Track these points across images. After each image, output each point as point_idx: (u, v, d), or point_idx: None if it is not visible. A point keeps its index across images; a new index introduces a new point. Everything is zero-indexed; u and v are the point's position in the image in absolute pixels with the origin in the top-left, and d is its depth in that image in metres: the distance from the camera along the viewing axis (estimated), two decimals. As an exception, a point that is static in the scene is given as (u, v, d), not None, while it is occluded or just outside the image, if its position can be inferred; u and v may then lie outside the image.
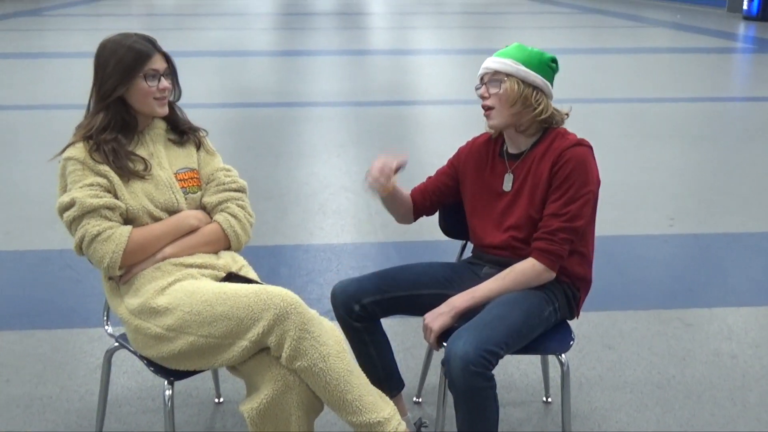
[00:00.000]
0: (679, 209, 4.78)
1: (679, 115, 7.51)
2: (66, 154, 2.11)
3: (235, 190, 2.29)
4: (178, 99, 2.29)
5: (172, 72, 2.20)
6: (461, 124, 7.24)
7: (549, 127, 2.29)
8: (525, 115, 2.23)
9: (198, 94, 8.34)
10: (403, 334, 3.18)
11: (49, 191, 4.96)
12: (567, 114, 2.31)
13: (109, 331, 2.35)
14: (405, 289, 2.33)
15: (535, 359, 2.94)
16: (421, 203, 2.48)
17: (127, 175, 2.11)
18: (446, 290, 2.31)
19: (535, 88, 2.22)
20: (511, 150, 2.34)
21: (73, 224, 2.06)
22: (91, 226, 2.03)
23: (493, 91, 2.24)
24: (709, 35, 14.92)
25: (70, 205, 2.05)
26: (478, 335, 1.99)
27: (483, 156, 2.39)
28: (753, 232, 4.40)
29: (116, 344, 2.28)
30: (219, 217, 2.24)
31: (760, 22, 17.23)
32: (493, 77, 2.25)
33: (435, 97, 8.67)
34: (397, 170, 2.29)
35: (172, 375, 2.07)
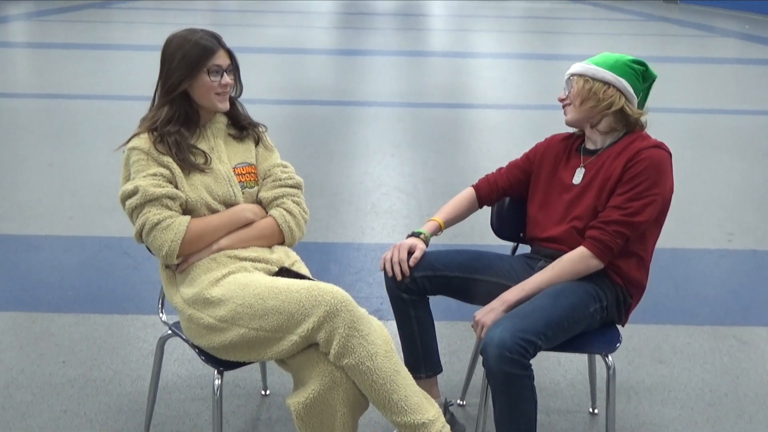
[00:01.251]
0: (738, 224, 4.66)
1: (744, 128, 7.32)
2: (131, 144, 2.17)
3: (291, 186, 2.32)
4: (240, 95, 2.34)
5: (234, 68, 2.25)
6: (518, 128, 7.19)
7: (630, 130, 2.32)
8: (596, 109, 2.28)
9: (257, 90, 8.46)
10: (450, 336, 3.17)
11: (110, 180, 5.11)
12: (643, 114, 2.32)
13: (163, 318, 2.41)
14: (458, 271, 2.36)
15: (583, 368, 2.91)
16: (487, 194, 2.54)
17: (188, 167, 2.16)
18: (499, 279, 2.34)
19: (605, 83, 2.27)
20: (589, 146, 2.38)
21: (134, 212, 2.11)
22: (152, 214, 2.09)
23: (567, 92, 2.35)
24: (778, 47, 14.50)
25: (133, 192, 2.10)
26: (516, 323, 2.01)
27: (560, 152, 2.44)
28: (816, 251, 4.26)
29: (169, 332, 2.33)
30: (274, 212, 2.27)
31: (833, 34, 16.66)
32: (568, 81, 2.36)
33: (492, 101, 8.62)
34: (410, 254, 2.33)
35: (222, 365, 2.11)
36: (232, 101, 2.31)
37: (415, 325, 2.38)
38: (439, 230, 2.46)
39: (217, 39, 2.21)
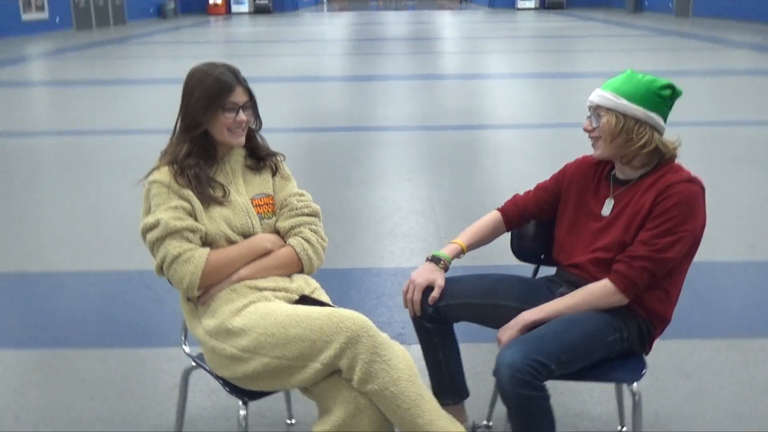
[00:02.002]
0: (760, 236, 4.62)
1: (761, 138, 7.27)
2: (151, 177, 2.20)
3: (308, 215, 2.34)
4: (260, 129, 2.37)
5: (252, 105, 2.28)
6: (532, 148, 7.19)
7: (661, 161, 2.25)
8: (628, 147, 2.20)
9: (273, 119, 8.54)
10: (474, 358, 3.16)
11: (129, 214, 5.17)
12: (676, 147, 2.25)
13: (186, 350, 2.42)
14: (478, 298, 2.35)
15: (609, 386, 2.88)
16: (515, 217, 2.49)
17: (207, 200, 2.19)
18: (520, 304, 2.31)
19: (637, 121, 2.18)
20: (619, 175, 2.31)
21: (155, 245, 2.14)
22: (173, 247, 2.11)
23: (595, 124, 2.25)
24: (793, 55, 14.43)
25: (154, 225, 2.13)
26: (529, 346, 2.00)
27: (590, 176, 2.38)
28: (841, 260, 4.21)
29: (193, 364, 2.34)
30: (293, 240, 2.29)
31: None
32: (595, 111, 2.25)
33: (506, 122, 8.63)
34: (425, 289, 2.33)
35: (247, 395, 2.12)
36: (252, 134, 2.34)
37: (441, 352, 2.38)
38: (461, 253, 2.43)
39: (235, 75, 2.24)
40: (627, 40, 18.96)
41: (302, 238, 2.30)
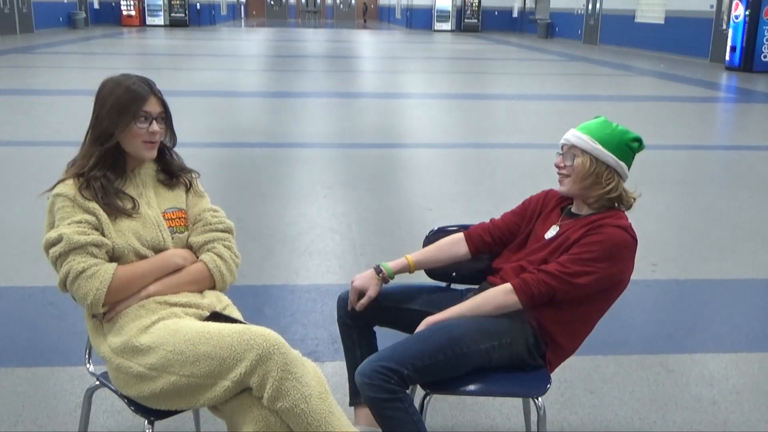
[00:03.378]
0: (661, 255, 4.82)
1: (663, 162, 7.62)
2: (56, 190, 2.13)
3: (222, 231, 2.31)
4: (174, 145, 2.32)
5: (166, 117, 2.23)
6: (448, 166, 7.31)
7: (615, 207, 2.34)
8: (595, 190, 2.30)
9: (189, 134, 8.38)
10: (387, 376, 3.17)
11: (34, 227, 4.96)
12: (635, 198, 2.35)
13: (90, 369, 2.34)
14: (394, 302, 2.44)
15: (517, 402, 2.95)
16: (480, 239, 2.52)
17: (115, 212, 2.13)
18: (427, 308, 2.39)
19: (608, 167, 2.28)
20: (573, 210, 2.40)
21: (58, 260, 2.07)
22: (77, 262, 2.04)
23: (567, 163, 2.33)
24: (692, 84, 15.20)
25: (57, 241, 2.06)
26: (384, 353, 2.13)
27: (550, 206, 2.47)
28: (735, 279, 4.44)
29: (97, 383, 2.27)
30: (205, 256, 2.25)
31: (741, 72, 17.57)
32: (570, 150, 2.33)
33: (423, 140, 8.76)
34: (362, 295, 2.42)
35: (153, 414, 2.06)
36: (165, 150, 2.29)
37: (359, 350, 2.46)
38: (407, 269, 2.48)
39: (149, 86, 2.20)
40: (539, 64, 19.58)
41: (215, 253, 2.26)
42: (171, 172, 2.31)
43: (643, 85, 15.44)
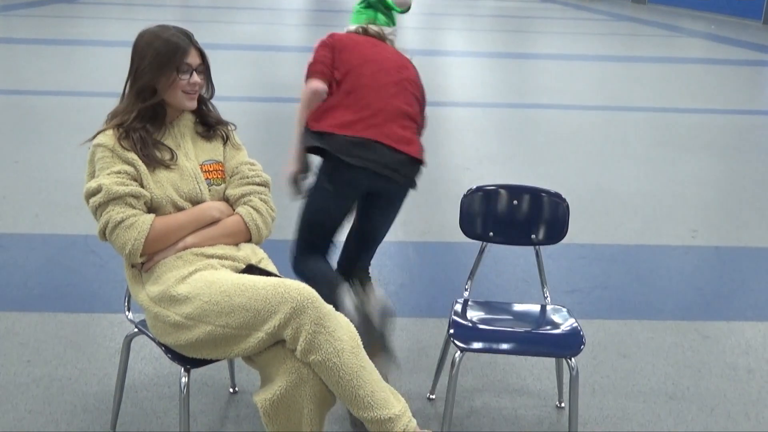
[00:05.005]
0: (702, 221, 4.74)
1: (709, 126, 7.44)
2: (96, 140, 2.15)
3: (259, 184, 2.33)
4: (212, 97, 2.33)
5: (205, 69, 2.24)
6: (487, 126, 7.23)
7: None
8: None
9: (228, 87, 8.41)
10: (419, 333, 3.19)
11: (77, 177, 5.05)
12: None
13: (129, 317, 2.39)
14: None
15: (550, 363, 2.95)
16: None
17: (154, 163, 2.15)
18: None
19: None
20: None
21: (98, 210, 2.10)
22: (116, 212, 2.07)
23: None
24: (743, 47, 14.75)
25: (96, 191, 2.09)
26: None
27: None
28: (777, 248, 4.36)
29: (135, 330, 2.32)
30: (241, 209, 2.27)
31: (796, 35, 17.00)
32: None
33: (462, 99, 8.66)
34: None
35: (189, 363, 2.11)
36: (202, 101, 2.30)
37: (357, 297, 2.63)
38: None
39: (188, 37, 2.20)
40: (584, 23, 19.14)
41: (251, 207, 2.28)
42: (208, 124, 2.32)
43: (691, 47, 15.01)
